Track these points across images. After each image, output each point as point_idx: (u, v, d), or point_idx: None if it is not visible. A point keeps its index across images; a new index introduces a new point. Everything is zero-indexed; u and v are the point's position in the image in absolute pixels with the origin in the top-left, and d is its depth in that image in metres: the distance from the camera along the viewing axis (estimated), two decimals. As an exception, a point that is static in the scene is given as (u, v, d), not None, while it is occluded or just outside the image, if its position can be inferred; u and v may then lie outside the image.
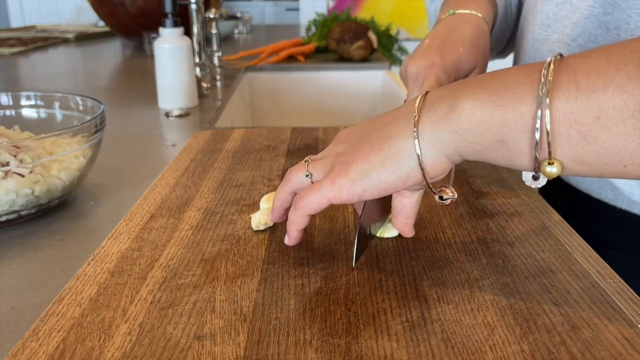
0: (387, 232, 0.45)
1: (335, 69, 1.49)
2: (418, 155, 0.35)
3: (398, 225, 0.42)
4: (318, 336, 0.33)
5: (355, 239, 0.41)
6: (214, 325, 0.34)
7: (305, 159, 0.42)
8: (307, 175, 0.40)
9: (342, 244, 0.44)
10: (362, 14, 3.08)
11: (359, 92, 1.50)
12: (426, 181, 0.36)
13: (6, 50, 1.69)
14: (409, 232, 0.43)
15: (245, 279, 0.40)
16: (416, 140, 0.35)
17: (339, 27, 1.51)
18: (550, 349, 0.32)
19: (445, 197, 0.39)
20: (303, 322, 0.35)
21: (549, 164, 0.32)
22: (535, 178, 0.34)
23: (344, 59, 1.52)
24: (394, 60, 1.72)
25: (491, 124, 0.33)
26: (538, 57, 0.62)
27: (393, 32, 1.73)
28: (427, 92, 0.37)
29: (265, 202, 0.50)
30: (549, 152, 0.31)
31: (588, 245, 0.44)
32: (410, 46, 1.88)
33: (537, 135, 0.31)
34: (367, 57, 1.51)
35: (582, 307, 0.36)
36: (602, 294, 0.37)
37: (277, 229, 0.47)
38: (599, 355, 0.31)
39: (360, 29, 1.49)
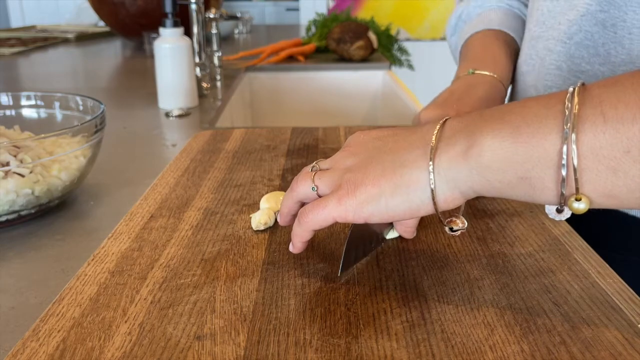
0: (388, 233, 0.45)
1: (335, 69, 1.49)
2: (432, 190, 0.34)
3: (399, 230, 0.43)
4: (318, 336, 0.33)
5: (342, 253, 0.40)
6: (214, 325, 0.34)
7: (313, 164, 0.41)
8: (313, 188, 0.39)
9: (342, 244, 0.44)
10: (362, 14, 3.08)
11: (359, 92, 1.50)
12: (437, 214, 0.35)
13: (6, 51, 1.69)
14: (409, 236, 0.43)
15: (246, 279, 0.40)
16: (431, 175, 0.34)
17: (339, 27, 1.51)
18: (550, 348, 0.32)
19: (455, 228, 0.37)
20: (303, 322, 0.35)
21: (576, 199, 0.30)
22: (559, 211, 0.32)
23: (344, 59, 1.52)
24: (394, 60, 1.72)
25: (513, 161, 0.31)
26: (534, 54, 0.63)
27: (393, 32, 1.73)
28: (445, 120, 0.36)
29: (265, 202, 0.50)
30: (576, 188, 0.30)
31: (588, 245, 0.44)
32: (410, 46, 1.89)
33: (564, 172, 0.30)
34: (367, 57, 1.51)
35: (582, 307, 0.36)
36: (602, 294, 0.37)
37: (277, 229, 0.47)
38: (599, 355, 0.31)
39: (360, 29, 1.49)
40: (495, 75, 0.62)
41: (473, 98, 0.58)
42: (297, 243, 0.41)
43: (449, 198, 0.34)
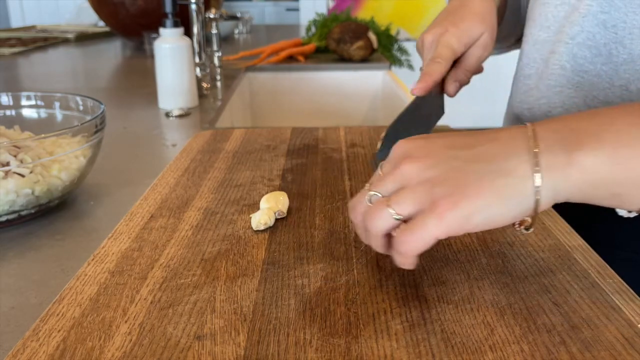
0: None
1: (335, 69, 1.49)
2: (536, 200, 0.34)
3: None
4: (318, 336, 0.33)
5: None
6: (214, 325, 0.34)
7: (368, 195, 0.37)
8: (397, 218, 0.36)
9: (342, 244, 0.45)
10: (362, 14, 3.08)
11: (359, 92, 1.50)
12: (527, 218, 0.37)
13: (6, 51, 1.69)
14: None
15: (246, 279, 0.40)
16: (538, 186, 0.34)
17: (339, 27, 1.51)
18: (550, 348, 0.32)
19: (528, 226, 0.38)
20: (303, 322, 0.35)
21: None
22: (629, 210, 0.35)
23: (344, 59, 1.52)
24: (394, 60, 1.72)
25: (609, 181, 0.34)
26: (538, 58, 0.63)
27: (393, 32, 1.73)
28: (533, 128, 0.36)
29: (265, 202, 0.50)
30: None
31: (588, 245, 0.44)
32: (410, 46, 1.88)
33: None
34: (367, 57, 1.51)
35: (582, 307, 0.36)
36: (602, 293, 0.37)
37: (277, 229, 0.47)
38: (599, 355, 0.31)
39: (360, 29, 1.49)
40: None
41: (468, 10, 0.61)
42: (407, 266, 0.37)
43: (545, 205, 0.35)
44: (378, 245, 0.38)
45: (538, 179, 0.34)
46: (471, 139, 0.37)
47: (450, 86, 0.60)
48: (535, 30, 0.64)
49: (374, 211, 0.37)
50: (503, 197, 0.34)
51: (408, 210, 0.35)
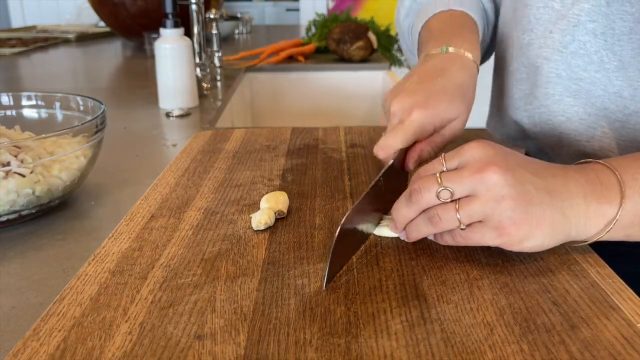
0: (383, 231, 0.46)
1: (335, 69, 1.49)
2: (578, 239, 0.41)
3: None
4: (318, 335, 0.33)
5: (328, 260, 0.39)
6: (214, 325, 0.34)
7: (443, 186, 0.39)
8: (462, 228, 0.40)
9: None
10: (362, 14, 3.07)
11: (358, 92, 1.50)
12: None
13: (7, 51, 1.69)
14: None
15: (246, 279, 0.40)
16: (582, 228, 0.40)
17: (339, 27, 1.51)
18: (550, 348, 0.32)
19: None
20: (303, 321, 0.35)
21: None
22: None
23: (343, 60, 1.52)
24: (394, 61, 1.72)
25: (627, 226, 0.40)
26: (525, 61, 0.63)
27: (393, 32, 1.73)
28: (587, 174, 0.41)
29: (265, 202, 0.50)
30: None
31: (587, 245, 0.44)
32: (410, 46, 1.89)
33: None
34: (367, 58, 1.51)
35: (582, 306, 0.36)
36: (602, 293, 0.37)
37: (278, 229, 0.48)
38: (598, 355, 0.31)
39: (360, 29, 1.49)
40: (471, 57, 0.57)
41: (447, 86, 0.53)
42: (445, 243, 0.43)
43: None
44: (422, 232, 0.42)
45: (591, 234, 0.40)
46: (542, 169, 0.41)
47: (412, 160, 0.52)
48: (520, 34, 0.63)
49: (443, 212, 0.40)
50: (556, 232, 0.39)
51: (474, 221, 0.39)
